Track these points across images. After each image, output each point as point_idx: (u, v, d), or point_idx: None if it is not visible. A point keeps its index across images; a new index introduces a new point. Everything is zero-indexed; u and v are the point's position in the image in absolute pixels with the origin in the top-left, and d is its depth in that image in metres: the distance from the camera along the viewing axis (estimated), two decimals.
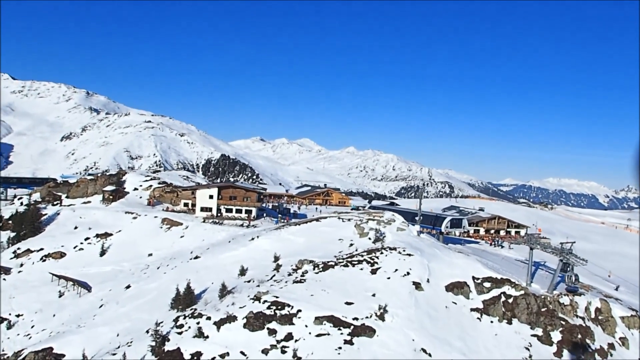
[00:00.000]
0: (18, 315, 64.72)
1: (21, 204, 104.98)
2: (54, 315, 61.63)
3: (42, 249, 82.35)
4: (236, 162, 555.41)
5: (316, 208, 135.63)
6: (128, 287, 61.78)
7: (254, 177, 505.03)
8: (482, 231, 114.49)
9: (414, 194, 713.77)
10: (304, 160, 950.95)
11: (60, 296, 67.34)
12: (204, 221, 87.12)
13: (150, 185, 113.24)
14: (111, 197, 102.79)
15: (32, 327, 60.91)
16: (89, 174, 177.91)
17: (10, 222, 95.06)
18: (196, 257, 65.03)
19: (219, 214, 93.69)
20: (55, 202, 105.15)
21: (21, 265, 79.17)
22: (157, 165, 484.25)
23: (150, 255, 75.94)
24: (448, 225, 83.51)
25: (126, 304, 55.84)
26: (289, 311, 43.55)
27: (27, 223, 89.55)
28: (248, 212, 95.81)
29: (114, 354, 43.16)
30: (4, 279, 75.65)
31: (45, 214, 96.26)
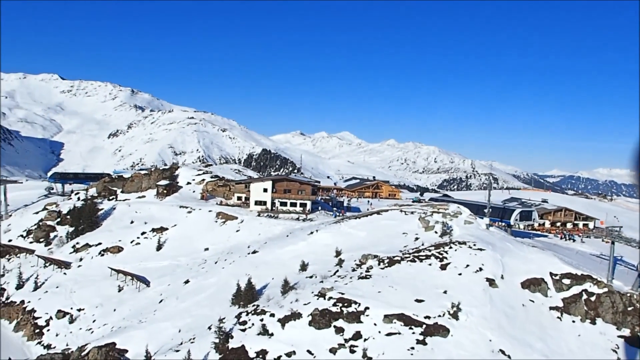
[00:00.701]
0: (79, 310, 66.75)
1: (78, 199, 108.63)
2: (114, 310, 63.04)
3: (100, 244, 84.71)
4: (277, 156, 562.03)
5: (368, 201, 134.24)
6: (187, 282, 62.38)
7: (295, 171, 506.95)
8: (547, 224, 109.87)
9: (457, 187, 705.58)
10: (344, 154, 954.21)
11: (119, 290, 68.91)
12: (259, 215, 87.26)
13: (203, 180, 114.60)
14: (165, 191, 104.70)
15: (94, 321, 62.56)
16: (141, 169, 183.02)
17: (68, 217, 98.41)
18: (254, 252, 64.92)
19: (273, 208, 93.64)
20: (111, 197, 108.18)
21: (80, 259, 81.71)
22: (199, 161, 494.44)
23: (206, 249, 76.63)
24: (517, 217, 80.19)
25: (186, 299, 56.28)
26: (355, 309, 42.41)
27: (85, 218, 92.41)
28: (303, 205, 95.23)
29: (177, 351, 43.29)
30: (65, 274, 78.32)
31: (102, 209, 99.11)
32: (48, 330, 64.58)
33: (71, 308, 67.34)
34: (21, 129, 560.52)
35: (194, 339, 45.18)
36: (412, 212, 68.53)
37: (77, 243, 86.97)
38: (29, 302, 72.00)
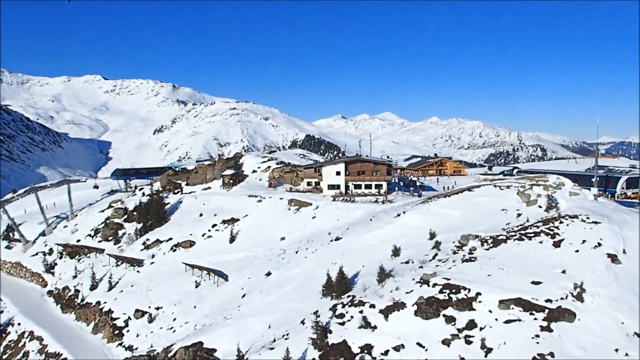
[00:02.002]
0: (158, 308, 67.98)
1: (143, 194, 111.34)
2: (194, 307, 63.67)
3: (170, 239, 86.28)
4: (321, 141, 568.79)
5: (437, 179, 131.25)
6: (268, 274, 62.00)
7: (340, 154, 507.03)
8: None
9: (504, 160, 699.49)
10: (387, 135, 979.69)
11: (197, 286, 69.66)
12: (334, 199, 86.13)
13: (269, 167, 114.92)
14: (231, 181, 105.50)
15: (174, 319, 63.43)
16: (198, 160, 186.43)
17: (135, 213, 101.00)
18: (337, 239, 63.67)
19: (347, 191, 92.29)
20: (176, 191, 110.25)
21: (152, 256, 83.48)
22: (244, 151, 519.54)
23: (282, 239, 76.26)
24: (624, 185, 75.09)
25: (271, 293, 55.80)
26: (466, 295, 40.18)
27: (152, 213, 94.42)
28: (378, 186, 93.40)
29: (272, 348, 42.63)
30: (138, 271, 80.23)
31: (168, 203, 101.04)
32: (128, 330, 66.12)
33: (149, 307, 68.71)
34: (69, 130, 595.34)
35: (287, 335, 44.39)
36: (507, 187, 65.13)
37: (147, 240, 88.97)
38: (105, 302, 74.20)
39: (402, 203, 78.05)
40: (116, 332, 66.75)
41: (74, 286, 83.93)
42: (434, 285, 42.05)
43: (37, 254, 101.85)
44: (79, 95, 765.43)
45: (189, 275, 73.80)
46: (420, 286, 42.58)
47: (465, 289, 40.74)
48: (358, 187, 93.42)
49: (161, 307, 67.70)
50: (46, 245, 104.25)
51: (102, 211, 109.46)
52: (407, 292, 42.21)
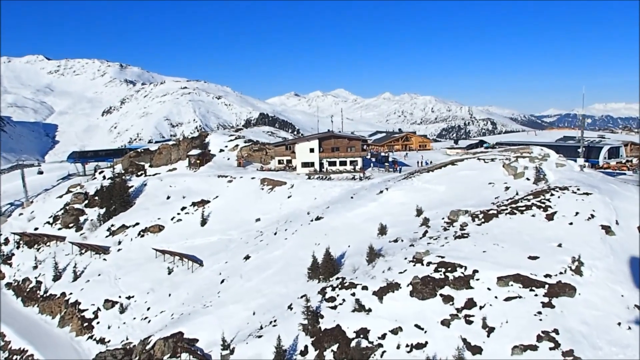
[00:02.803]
0: (129, 298, 65.49)
1: (104, 177, 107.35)
2: (169, 295, 61.49)
3: (137, 224, 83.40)
4: (275, 119, 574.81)
5: (406, 154, 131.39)
6: (247, 257, 60.21)
7: (295, 132, 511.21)
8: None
9: (456, 135, 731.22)
10: (340, 111, 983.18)
11: (169, 273, 67.37)
12: (309, 178, 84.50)
13: (237, 145, 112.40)
14: (198, 161, 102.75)
15: (148, 309, 61.14)
16: (166, 139, 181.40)
17: (96, 198, 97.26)
18: (318, 218, 62.18)
19: (322, 169, 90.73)
20: (139, 173, 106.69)
21: (119, 242, 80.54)
22: (197, 131, 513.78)
23: (258, 220, 74.45)
24: (606, 155, 75.86)
25: (252, 277, 54.11)
26: (462, 273, 39.39)
27: (116, 197, 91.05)
28: (353, 163, 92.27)
29: (260, 336, 41.18)
30: (104, 259, 77.25)
31: (132, 186, 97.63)
32: (98, 322, 63.40)
33: (119, 296, 66.07)
34: (12, 114, 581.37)
35: (275, 321, 42.99)
36: (492, 160, 64.79)
37: (112, 225, 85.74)
38: (71, 293, 71.02)
39: (381, 179, 77.01)
40: (85, 324, 63.92)
41: (35, 277, 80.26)
42: (428, 264, 41.13)
43: None
44: (21, 77, 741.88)
45: (160, 262, 71.37)
46: (414, 265, 41.61)
47: (461, 266, 39.94)
48: (332, 164, 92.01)
49: (132, 297, 65.16)
50: (1, 234, 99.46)
51: (61, 197, 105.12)
52: (401, 272, 41.19)
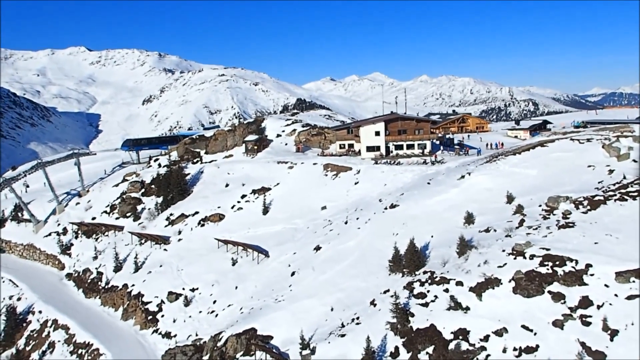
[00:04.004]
0: (193, 290, 64.72)
1: (159, 165, 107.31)
2: (235, 288, 60.24)
3: (197, 213, 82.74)
4: (312, 104, 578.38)
5: (468, 136, 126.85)
6: (318, 248, 58.08)
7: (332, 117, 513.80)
8: None
9: (496, 116, 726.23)
10: (377, 95, 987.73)
11: (233, 264, 66.14)
12: (375, 163, 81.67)
13: (294, 130, 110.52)
14: (255, 147, 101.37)
15: (214, 302, 60.09)
16: (207, 128, 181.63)
17: (153, 186, 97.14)
18: (393, 206, 59.20)
19: (388, 153, 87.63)
20: (195, 160, 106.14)
21: (179, 232, 79.98)
22: (236, 118, 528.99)
23: (324, 208, 72.21)
24: None
25: (326, 270, 51.90)
26: (573, 267, 35.78)
27: (173, 185, 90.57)
28: (421, 146, 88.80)
29: (343, 335, 38.90)
30: (165, 250, 76.76)
31: (188, 174, 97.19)
32: (162, 316, 62.88)
33: (183, 288, 65.44)
34: (57, 104, 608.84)
35: (357, 319, 40.59)
36: (587, 140, 60.13)
37: (171, 214, 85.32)
38: (133, 285, 70.92)
39: (456, 164, 73.35)
40: (149, 317, 63.55)
41: (96, 268, 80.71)
42: (532, 257, 37.70)
43: (50, 234, 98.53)
44: (64, 68, 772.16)
45: (223, 252, 70.21)
46: (514, 258, 38.27)
47: (571, 260, 36.33)
48: (399, 147, 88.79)
49: (197, 289, 64.26)
50: (59, 224, 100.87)
51: (117, 185, 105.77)
52: (500, 266, 37.96)
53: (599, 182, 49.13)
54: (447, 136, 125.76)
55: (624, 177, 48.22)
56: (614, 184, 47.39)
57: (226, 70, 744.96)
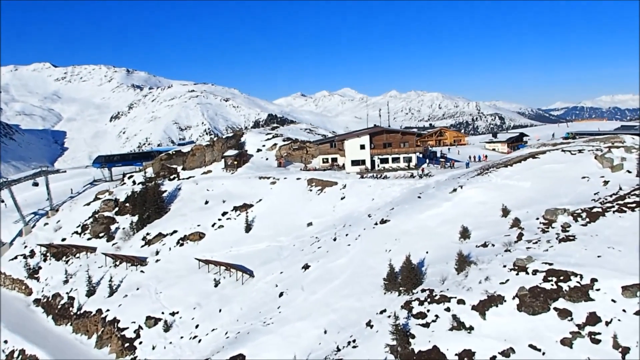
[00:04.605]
0: (173, 314, 63.04)
1: (134, 182, 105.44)
2: (219, 310, 58.80)
3: (175, 232, 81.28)
4: (284, 119, 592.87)
5: (449, 149, 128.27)
6: (306, 267, 57.10)
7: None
8: None
9: (464, 131, 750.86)
10: (347, 111, 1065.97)
11: (216, 285, 64.81)
12: (361, 177, 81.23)
13: (275, 144, 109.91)
14: (235, 162, 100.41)
15: (197, 326, 58.56)
16: (180, 143, 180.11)
17: (127, 204, 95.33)
18: (383, 221, 58.57)
19: (373, 167, 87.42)
20: (172, 177, 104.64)
21: (157, 252, 78.40)
22: (206, 134, 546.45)
23: (310, 224, 71.35)
24: None
25: (316, 290, 50.90)
26: (578, 282, 35.44)
27: (149, 203, 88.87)
28: (407, 159, 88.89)
29: None
30: (142, 272, 75.05)
31: (165, 191, 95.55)
32: (140, 343, 61.08)
33: (162, 313, 63.70)
34: (20, 122, 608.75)
35: (353, 341, 39.59)
36: (579, 151, 60.47)
37: (148, 234, 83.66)
38: (108, 310, 68.94)
39: (445, 177, 73.28)
40: (126, 344, 61.65)
41: (67, 293, 78.49)
42: (535, 272, 37.28)
43: (16, 257, 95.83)
44: (28, 85, 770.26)
45: (204, 273, 68.79)
46: (517, 274, 37.81)
47: (575, 275, 36.00)
48: (385, 161, 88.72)
49: (177, 312, 62.63)
50: (26, 246, 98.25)
51: (88, 204, 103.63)
52: (502, 283, 37.43)
53: (594, 194, 49.20)
54: (430, 149, 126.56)
55: (620, 189, 48.41)
56: (610, 196, 47.48)
57: (196, 86, 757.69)
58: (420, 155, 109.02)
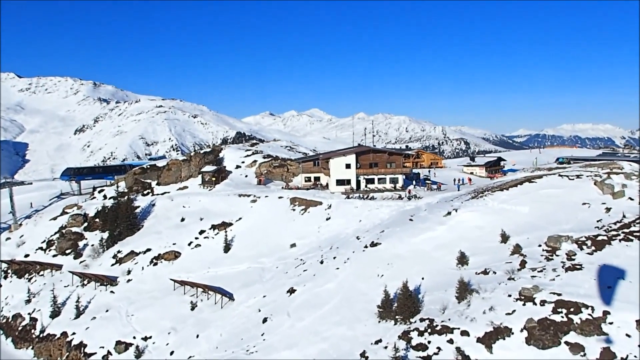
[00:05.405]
0: (145, 339, 59.92)
1: (104, 197, 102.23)
2: (197, 336, 55.92)
3: (149, 250, 78.50)
4: (252, 138, 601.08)
5: (434, 173, 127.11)
6: (292, 291, 54.81)
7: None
8: None
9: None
10: (315, 131, 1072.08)
11: (193, 308, 62.01)
12: (347, 197, 79.69)
13: (255, 161, 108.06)
14: (213, 178, 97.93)
15: (172, 353, 55.59)
16: (153, 158, 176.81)
17: (97, 220, 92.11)
18: (374, 244, 56.80)
19: (358, 187, 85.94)
20: (145, 192, 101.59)
21: (128, 272, 75.36)
22: (173, 150, 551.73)
23: (293, 246, 69.34)
24: None
25: (304, 316, 48.66)
26: (590, 315, 34.07)
27: (121, 219, 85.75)
28: (393, 180, 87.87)
29: None
30: (112, 292, 71.89)
31: (138, 207, 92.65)
32: None
33: (134, 337, 60.53)
34: None
35: None
36: (577, 176, 59.84)
37: (119, 252, 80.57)
38: (74, 333, 65.45)
39: (435, 199, 72.17)
40: None
41: (29, 313, 74.70)
42: (543, 302, 35.83)
43: None
44: None
45: (180, 295, 66.00)
46: (523, 304, 36.33)
47: (586, 306, 34.64)
48: (370, 181, 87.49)
49: (150, 337, 59.57)
50: None
51: (55, 219, 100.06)
52: (508, 314, 35.89)
53: (597, 221, 48.30)
54: (413, 170, 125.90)
55: (624, 216, 47.60)
56: (614, 223, 46.61)
57: (164, 101, 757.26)
58: (404, 177, 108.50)
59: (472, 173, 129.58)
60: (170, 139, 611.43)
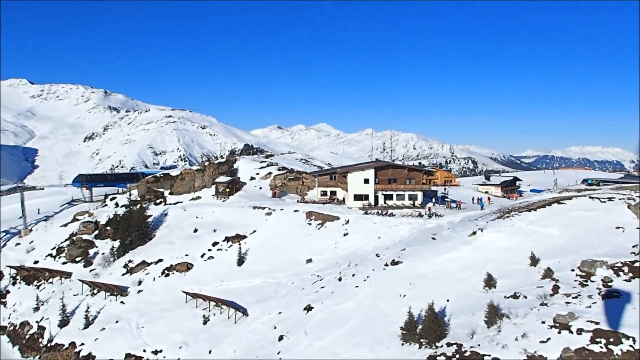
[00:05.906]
0: (156, 352, 58.44)
1: (116, 205, 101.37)
2: (209, 352, 54.44)
3: (161, 260, 77.41)
4: (260, 150, 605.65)
5: (444, 189, 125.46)
6: (309, 308, 53.23)
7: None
8: None
9: None
10: (323, 145, 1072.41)
11: (205, 322, 60.54)
12: (365, 213, 78.33)
13: (269, 173, 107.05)
14: (227, 189, 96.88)
15: None
16: (163, 167, 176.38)
17: (108, 228, 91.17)
18: (395, 263, 55.28)
19: (376, 203, 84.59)
20: (158, 201, 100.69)
21: (139, 282, 74.17)
22: (181, 160, 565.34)
23: (309, 261, 67.92)
24: None
25: (322, 335, 47.04)
26: (631, 346, 32.30)
27: (133, 228, 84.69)
28: (412, 197, 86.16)
29: None
30: (122, 302, 70.66)
31: (151, 216, 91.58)
32: None
33: (144, 350, 59.11)
34: None
35: None
36: (609, 199, 58.12)
37: (130, 261, 79.51)
38: (82, 344, 64.22)
39: (458, 218, 70.64)
40: None
41: (37, 321, 73.62)
42: (580, 331, 34.14)
43: None
44: (3, 100, 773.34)
45: (192, 308, 64.65)
46: (559, 332, 34.64)
47: (627, 337, 32.90)
48: (389, 197, 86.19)
49: (160, 351, 58.13)
50: None
51: (65, 225, 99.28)
52: (543, 342, 34.19)
53: (633, 246, 46.50)
54: (431, 188, 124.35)
55: None
56: None
57: (174, 111, 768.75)
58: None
59: (486, 192, 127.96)
60: (178, 149, 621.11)
